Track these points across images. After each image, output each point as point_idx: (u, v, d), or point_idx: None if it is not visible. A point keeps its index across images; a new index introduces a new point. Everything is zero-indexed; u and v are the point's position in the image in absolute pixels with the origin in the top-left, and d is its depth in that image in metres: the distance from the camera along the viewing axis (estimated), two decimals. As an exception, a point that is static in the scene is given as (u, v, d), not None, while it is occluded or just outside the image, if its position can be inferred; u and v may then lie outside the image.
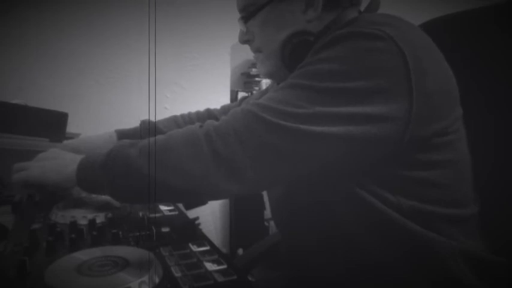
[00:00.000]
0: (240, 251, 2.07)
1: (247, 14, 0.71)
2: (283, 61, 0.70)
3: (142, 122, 1.02)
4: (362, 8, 0.72)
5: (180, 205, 0.79)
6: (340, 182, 0.61)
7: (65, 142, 0.92)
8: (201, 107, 1.11)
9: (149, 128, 0.96)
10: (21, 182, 0.68)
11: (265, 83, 2.19)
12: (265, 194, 1.08)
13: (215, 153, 0.54)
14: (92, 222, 0.66)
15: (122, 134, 0.98)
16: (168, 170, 0.55)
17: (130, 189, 0.59)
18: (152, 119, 0.98)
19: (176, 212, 0.77)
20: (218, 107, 1.11)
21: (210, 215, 2.14)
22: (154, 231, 0.62)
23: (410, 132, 0.55)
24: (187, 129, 0.59)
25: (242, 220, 2.16)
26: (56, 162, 0.69)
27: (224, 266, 0.52)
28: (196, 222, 0.69)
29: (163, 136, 0.60)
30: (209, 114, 1.07)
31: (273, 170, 0.56)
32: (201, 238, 0.62)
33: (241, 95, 2.17)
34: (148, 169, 0.56)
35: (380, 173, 0.60)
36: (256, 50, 0.75)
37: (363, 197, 0.59)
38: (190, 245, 0.59)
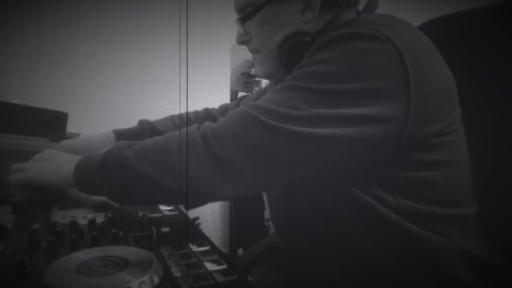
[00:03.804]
0: (240, 251, 2.07)
1: (245, 15, 0.71)
2: (280, 62, 0.70)
3: (140, 122, 1.02)
4: (360, 8, 0.72)
5: (180, 205, 0.79)
6: (337, 183, 0.61)
7: (63, 142, 0.92)
8: (201, 107, 1.11)
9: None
10: (18, 183, 0.68)
11: (264, 82, 2.19)
12: (265, 194, 1.08)
13: (212, 155, 0.54)
14: (92, 222, 0.66)
15: (120, 134, 0.98)
16: (165, 172, 0.55)
17: (127, 190, 0.59)
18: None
19: (176, 212, 0.77)
20: (217, 106, 1.11)
21: (210, 215, 2.14)
22: (155, 231, 0.62)
23: (408, 132, 0.55)
24: (185, 131, 0.59)
25: (242, 220, 2.16)
26: (52, 163, 0.69)
27: (224, 266, 0.52)
28: (196, 222, 0.69)
29: (160, 137, 0.60)
30: (207, 113, 1.07)
31: (270, 172, 0.56)
32: (201, 238, 0.63)
33: (241, 95, 2.17)
34: (144, 171, 0.56)
35: (378, 174, 0.60)
36: (254, 51, 0.75)
37: (361, 198, 0.59)
38: (190, 245, 0.59)
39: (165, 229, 0.64)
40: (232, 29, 0.76)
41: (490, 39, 0.74)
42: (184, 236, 0.63)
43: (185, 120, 1.06)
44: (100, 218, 0.69)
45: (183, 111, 1.10)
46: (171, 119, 1.05)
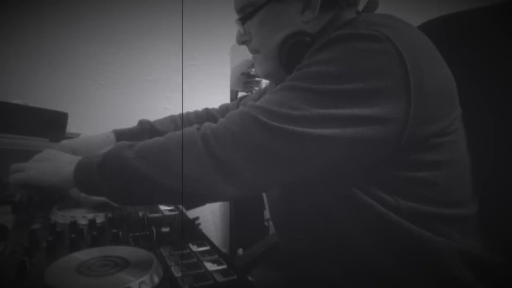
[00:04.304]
0: (240, 251, 2.07)
1: (245, 15, 0.71)
2: (280, 62, 0.70)
3: (140, 122, 1.02)
4: (359, 8, 0.72)
5: (180, 205, 0.79)
6: (337, 183, 0.61)
7: (63, 142, 0.92)
8: (201, 107, 1.11)
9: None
10: (18, 183, 0.68)
11: (264, 82, 2.18)
12: (265, 194, 1.08)
13: (212, 155, 0.54)
14: (92, 222, 0.66)
15: (120, 134, 0.98)
16: (165, 172, 0.55)
17: (127, 190, 0.59)
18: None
19: (176, 212, 0.77)
20: (217, 106, 1.11)
21: (210, 215, 2.14)
22: (155, 231, 0.62)
23: (408, 132, 0.55)
24: (185, 131, 0.59)
25: (242, 220, 2.16)
26: (52, 163, 0.69)
27: (224, 266, 0.52)
28: (196, 222, 0.69)
29: (161, 138, 0.60)
30: (207, 114, 1.07)
31: (270, 172, 0.56)
32: (201, 238, 0.63)
33: (241, 95, 2.17)
34: (144, 171, 0.56)
35: (378, 175, 0.60)
36: (254, 51, 0.75)
37: (360, 199, 0.59)
38: (190, 245, 0.59)
39: (165, 229, 0.64)
40: (232, 29, 0.76)
41: (490, 39, 0.74)
42: (183, 236, 0.63)
43: (185, 120, 1.06)
44: (100, 218, 0.69)
45: (185, 111, 1.10)
46: (171, 119, 1.05)
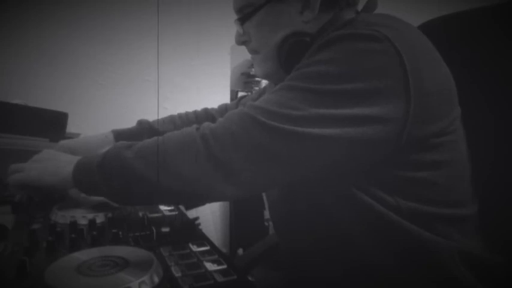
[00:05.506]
0: (240, 251, 2.07)
1: (244, 16, 0.71)
2: (279, 62, 0.70)
3: (139, 122, 1.02)
4: (359, 8, 0.72)
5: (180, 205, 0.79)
6: (337, 183, 0.61)
7: (61, 142, 0.92)
8: (201, 107, 1.11)
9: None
10: (18, 184, 0.68)
11: (264, 82, 2.18)
12: (264, 194, 1.08)
13: (211, 155, 0.54)
14: (92, 222, 0.66)
15: (119, 134, 0.98)
16: (164, 172, 0.55)
17: (127, 190, 0.59)
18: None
19: (176, 212, 0.77)
20: (216, 106, 1.11)
21: (210, 215, 2.14)
22: (155, 231, 0.62)
23: (408, 132, 0.55)
24: (184, 131, 0.59)
25: (242, 220, 2.16)
26: (51, 163, 0.69)
27: (224, 266, 0.52)
28: (196, 222, 0.69)
29: (160, 138, 0.60)
30: (206, 113, 1.07)
31: (269, 172, 0.56)
32: (201, 238, 0.63)
33: (241, 95, 2.17)
34: (143, 171, 0.56)
35: (378, 175, 0.60)
36: (253, 51, 0.75)
37: (360, 199, 0.59)
38: (190, 245, 0.59)
39: (165, 229, 0.64)
40: (232, 29, 0.76)
41: (490, 39, 0.74)
42: (182, 235, 0.63)
43: (185, 120, 1.06)
44: (100, 218, 0.69)
45: (183, 111, 1.10)
46: (170, 118, 1.05)
